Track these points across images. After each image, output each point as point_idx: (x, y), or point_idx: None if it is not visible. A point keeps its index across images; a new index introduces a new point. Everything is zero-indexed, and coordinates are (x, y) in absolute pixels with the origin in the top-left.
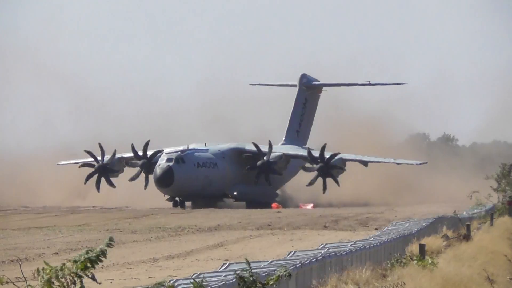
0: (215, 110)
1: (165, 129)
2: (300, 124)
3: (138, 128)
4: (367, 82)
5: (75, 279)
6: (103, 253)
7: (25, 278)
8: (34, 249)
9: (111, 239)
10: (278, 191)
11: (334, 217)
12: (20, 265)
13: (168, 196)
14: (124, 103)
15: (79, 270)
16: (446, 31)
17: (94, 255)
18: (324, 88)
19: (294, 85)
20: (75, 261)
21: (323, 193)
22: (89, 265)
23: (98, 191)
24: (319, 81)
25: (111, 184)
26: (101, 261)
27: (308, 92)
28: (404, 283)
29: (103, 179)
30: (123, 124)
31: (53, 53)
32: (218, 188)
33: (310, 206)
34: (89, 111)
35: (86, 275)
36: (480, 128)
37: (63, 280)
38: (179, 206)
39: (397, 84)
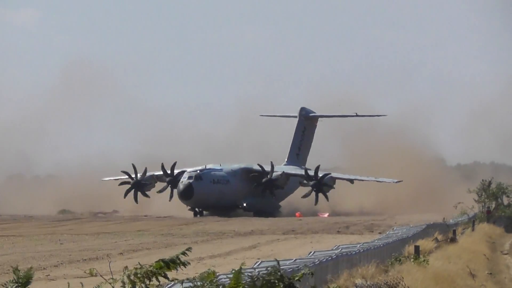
0: (231, 136)
1: (188, 151)
2: (299, 148)
3: (167, 150)
4: (355, 114)
5: (151, 276)
6: (176, 259)
7: (111, 272)
8: (103, 250)
9: (189, 249)
10: (280, 203)
11: (345, 223)
12: (110, 262)
13: (190, 207)
14: (156, 129)
15: (155, 269)
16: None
17: (168, 262)
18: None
19: (295, 116)
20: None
21: (315, 204)
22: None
23: (136, 203)
24: (315, 113)
25: (145, 195)
26: (174, 266)
27: (306, 122)
28: (402, 277)
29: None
30: (156, 146)
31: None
32: (230, 200)
33: (326, 214)
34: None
35: (160, 274)
36: (464, 150)
37: (140, 276)
38: (198, 215)
39: (378, 115)
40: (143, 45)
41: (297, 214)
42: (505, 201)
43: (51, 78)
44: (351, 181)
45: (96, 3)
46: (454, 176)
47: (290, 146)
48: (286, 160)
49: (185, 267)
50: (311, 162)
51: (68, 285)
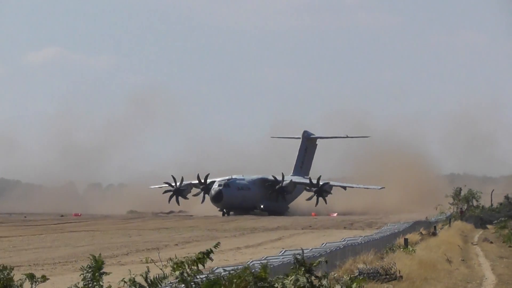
0: (248, 153)
1: (218, 164)
2: (302, 162)
3: (202, 162)
4: (345, 136)
5: (197, 262)
6: (210, 252)
7: (160, 260)
8: (162, 242)
9: (217, 244)
10: (289, 205)
11: (350, 221)
12: (159, 253)
13: (219, 209)
14: (197, 145)
15: (196, 258)
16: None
17: (207, 253)
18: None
19: (299, 138)
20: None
21: (315, 206)
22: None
23: (178, 205)
24: (314, 135)
25: (185, 197)
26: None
27: (308, 142)
28: (395, 263)
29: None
30: (195, 159)
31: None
32: (251, 203)
33: (335, 214)
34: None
35: (200, 262)
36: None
37: (186, 264)
38: (226, 215)
39: (364, 137)
40: (192, 81)
41: (312, 214)
42: (475, 203)
43: (121, 107)
44: (344, 188)
45: (155, 50)
46: (441, 184)
47: (295, 160)
48: (292, 171)
49: (212, 260)
50: (313, 172)
51: (130, 273)
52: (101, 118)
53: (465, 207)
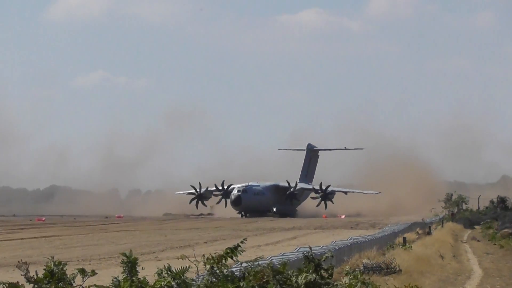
0: (264, 162)
1: (238, 172)
2: (307, 171)
3: (224, 171)
4: (344, 148)
5: (223, 257)
6: (238, 247)
7: (195, 256)
8: (193, 240)
9: (244, 239)
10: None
11: (356, 222)
12: (194, 249)
13: (238, 212)
14: (219, 156)
15: (224, 254)
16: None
17: (234, 248)
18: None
19: (303, 149)
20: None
21: (325, 209)
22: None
23: (197, 209)
24: (317, 147)
25: (204, 204)
26: (236, 250)
27: (311, 153)
28: (394, 258)
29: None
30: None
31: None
32: (265, 207)
33: (343, 216)
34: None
35: (227, 257)
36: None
37: (214, 259)
38: (244, 217)
39: (360, 148)
40: (219, 99)
41: (323, 216)
42: (464, 206)
43: (157, 122)
44: (345, 192)
45: (186, 72)
46: (438, 189)
47: (301, 169)
48: (299, 179)
49: (241, 254)
50: (323, 180)
51: (163, 267)
52: (140, 133)
53: (456, 210)
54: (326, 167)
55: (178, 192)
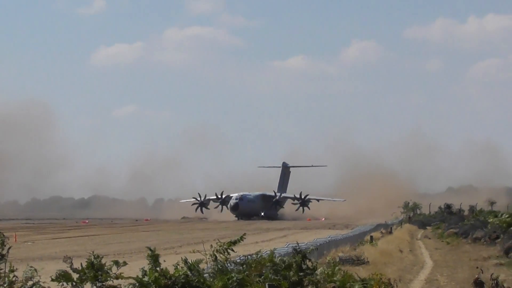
0: (251, 178)
1: (236, 183)
2: (282, 183)
3: (223, 183)
4: (311, 165)
5: (227, 250)
6: (236, 242)
7: (204, 249)
8: (205, 238)
9: (244, 235)
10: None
11: (333, 224)
12: (203, 244)
13: (235, 216)
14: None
15: (228, 246)
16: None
17: (233, 241)
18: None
19: (279, 166)
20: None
21: (302, 213)
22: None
23: (202, 213)
24: (289, 165)
25: (202, 211)
26: (236, 244)
27: (285, 170)
28: (364, 252)
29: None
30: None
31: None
32: (255, 212)
33: (323, 219)
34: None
35: (229, 249)
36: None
37: (219, 250)
38: (239, 219)
39: (322, 166)
40: (226, 123)
41: (308, 219)
42: (418, 211)
43: (176, 144)
44: (318, 200)
45: (198, 104)
46: (402, 197)
47: (278, 182)
48: (276, 189)
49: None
50: (306, 189)
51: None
52: (163, 152)
53: (412, 214)
54: (309, 179)
55: (183, 200)
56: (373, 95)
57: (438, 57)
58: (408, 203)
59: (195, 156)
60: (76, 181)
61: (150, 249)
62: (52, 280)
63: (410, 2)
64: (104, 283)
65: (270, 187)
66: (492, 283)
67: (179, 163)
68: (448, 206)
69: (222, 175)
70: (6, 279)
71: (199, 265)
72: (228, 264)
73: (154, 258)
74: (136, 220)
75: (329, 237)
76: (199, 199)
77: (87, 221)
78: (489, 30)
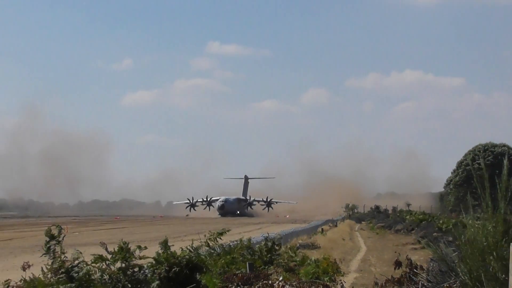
0: (226, 187)
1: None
2: (245, 190)
3: (213, 189)
4: (273, 177)
5: (216, 239)
6: (222, 233)
7: (200, 238)
8: (202, 229)
9: (228, 230)
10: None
11: (295, 219)
12: (199, 234)
13: (219, 214)
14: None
15: (217, 236)
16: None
17: (221, 232)
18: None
19: (242, 178)
20: (217, 233)
21: (267, 212)
22: (220, 235)
23: (190, 211)
24: (249, 177)
25: (194, 210)
26: (223, 234)
27: (246, 182)
28: (316, 240)
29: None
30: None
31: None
32: (234, 211)
33: (288, 216)
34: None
35: (217, 237)
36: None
37: (210, 238)
38: (222, 217)
39: (271, 178)
40: (222, 146)
41: (277, 216)
42: (356, 211)
43: (187, 159)
44: (276, 202)
45: (206, 128)
46: (348, 199)
47: (242, 190)
48: (241, 194)
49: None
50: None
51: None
52: (174, 168)
53: (351, 212)
54: (281, 184)
55: (176, 202)
56: (324, 126)
57: (370, 100)
58: (349, 204)
59: (197, 168)
60: (111, 189)
61: (165, 239)
62: (92, 262)
63: (350, 60)
64: (130, 262)
65: (235, 193)
66: (407, 262)
67: (185, 175)
68: (377, 207)
69: (209, 183)
70: (59, 258)
71: (200, 249)
72: (217, 248)
73: (165, 244)
74: (153, 217)
75: (292, 229)
76: (189, 201)
77: (118, 218)
78: (406, 81)
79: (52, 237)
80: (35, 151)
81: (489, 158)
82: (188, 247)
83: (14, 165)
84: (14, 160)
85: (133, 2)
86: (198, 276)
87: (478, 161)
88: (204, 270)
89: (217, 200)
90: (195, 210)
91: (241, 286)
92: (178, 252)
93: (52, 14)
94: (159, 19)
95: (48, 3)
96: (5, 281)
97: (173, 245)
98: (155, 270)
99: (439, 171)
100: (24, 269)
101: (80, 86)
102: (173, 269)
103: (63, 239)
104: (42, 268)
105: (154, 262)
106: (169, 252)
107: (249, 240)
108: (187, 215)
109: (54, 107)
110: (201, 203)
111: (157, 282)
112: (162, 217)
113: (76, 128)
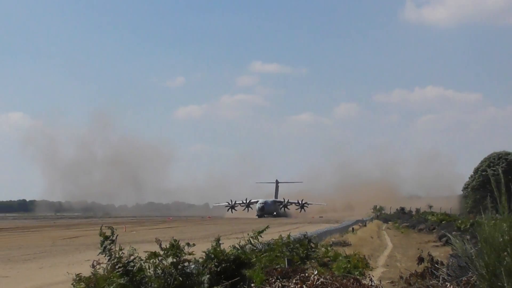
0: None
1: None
2: (276, 193)
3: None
4: (301, 181)
5: (257, 236)
6: (262, 231)
7: (243, 237)
8: (245, 228)
9: (267, 227)
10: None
11: (327, 219)
12: (243, 233)
13: (258, 215)
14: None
15: (258, 234)
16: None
17: (260, 231)
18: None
19: (274, 182)
20: (258, 232)
21: (299, 212)
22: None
23: (232, 212)
24: (279, 181)
25: (235, 210)
26: (262, 232)
27: (277, 184)
28: (348, 238)
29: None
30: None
31: None
32: (272, 212)
33: (321, 216)
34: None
35: (260, 236)
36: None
37: (252, 237)
38: (259, 217)
39: (298, 182)
40: (264, 152)
41: (312, 216)
42: (383, 212)
43: (231, 166)
44: (308, 204)
45: (243, 138)
46: (378, 201)
47: (274, 193)
48: (273, 197)
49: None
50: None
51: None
52: (221, 175)
53: (379, 213)
54: (315, 185)
55: (216, 204)
56: (354, 136)
57: (395, 113)
58: (376, 206)
59: (242, 174)
60: (165, 193)
61: (218, 237)
62: (146, 258)
63: (377, 77)
64: (180, 258)
65: (268, 196)
66: (429, 258)
67: (230, 181)
68: (402, 209)
69: (251, 188)
70: (116, 254)
71: (246, 247)
72: (259, 245)
73: (217, 242)
74: (202, 217)
75: (325, 228)
76: (229, 203)
77: (171, 218)
78: (428, 96)
79: (106, 237)
80: (101, 157)
81: (503, 165)
82: (236, 244)
83: (81, 169)
84: (82, 165)
85: (186, 27)
86: (243, 271)
87: (493, 168)
88: (250, 265)
89: (255, 202)
90: (235, 210)
91: (280, 279)
92: (227, 249)
93: (117, 37)
94: (208, 42)
95: (113, 28)
96: (77, 275)
97: (222, 243)
98: (207, 265)
99: (459, 176)
100: (93, 266)
101: (139, 100)
102: (222, 265)
103: (116, 238)
104: (97, 263)
105: (205, 256)
106: (217, 250)
107: (289, 236)
108: (229, 211)
109: (119, 118)
110: (239, 204)
111: (207, 275)
112: (210, 218)
113: (141, 137)
